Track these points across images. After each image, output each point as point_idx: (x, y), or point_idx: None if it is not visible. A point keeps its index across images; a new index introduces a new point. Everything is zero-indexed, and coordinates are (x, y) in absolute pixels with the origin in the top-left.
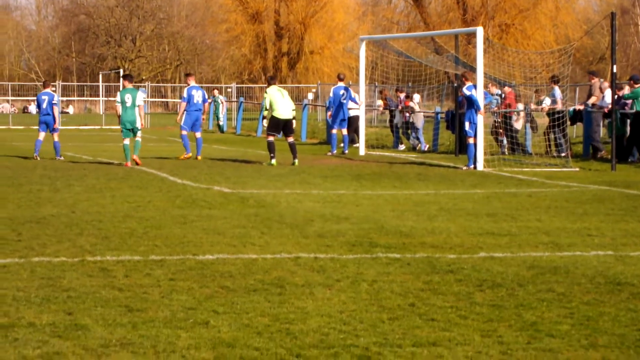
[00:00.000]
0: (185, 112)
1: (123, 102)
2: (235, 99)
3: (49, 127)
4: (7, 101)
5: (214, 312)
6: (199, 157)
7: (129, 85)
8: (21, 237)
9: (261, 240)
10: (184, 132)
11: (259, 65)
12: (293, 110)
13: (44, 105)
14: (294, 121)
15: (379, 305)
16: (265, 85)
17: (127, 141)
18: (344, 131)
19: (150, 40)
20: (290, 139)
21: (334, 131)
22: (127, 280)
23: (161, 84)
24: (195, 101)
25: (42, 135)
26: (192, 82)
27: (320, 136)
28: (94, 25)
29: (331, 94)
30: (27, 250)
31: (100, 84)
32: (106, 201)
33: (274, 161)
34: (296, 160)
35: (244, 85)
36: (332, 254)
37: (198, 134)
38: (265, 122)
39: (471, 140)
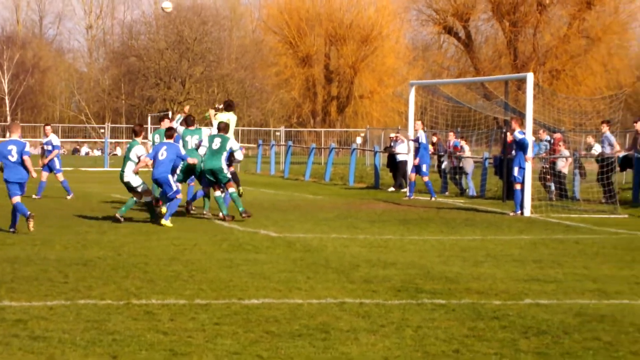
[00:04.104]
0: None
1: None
2: (283, 143)
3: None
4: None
5: (258, 357)
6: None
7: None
8: (68, 279)
9: (307, 285)
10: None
11: (308, 109)
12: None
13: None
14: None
15: (424, 351)
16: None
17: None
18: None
19: (200, 82)
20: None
21: (426, 178)
22: (172, 324)
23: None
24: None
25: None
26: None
27: (367, 180)
28: (144, 67)
29: (424, 140)
30: (74, 292)
31: (149, 125)
32: (152, 244)
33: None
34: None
35: (292, 129)
36: (378, 299)
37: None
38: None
39: (519, 186)
